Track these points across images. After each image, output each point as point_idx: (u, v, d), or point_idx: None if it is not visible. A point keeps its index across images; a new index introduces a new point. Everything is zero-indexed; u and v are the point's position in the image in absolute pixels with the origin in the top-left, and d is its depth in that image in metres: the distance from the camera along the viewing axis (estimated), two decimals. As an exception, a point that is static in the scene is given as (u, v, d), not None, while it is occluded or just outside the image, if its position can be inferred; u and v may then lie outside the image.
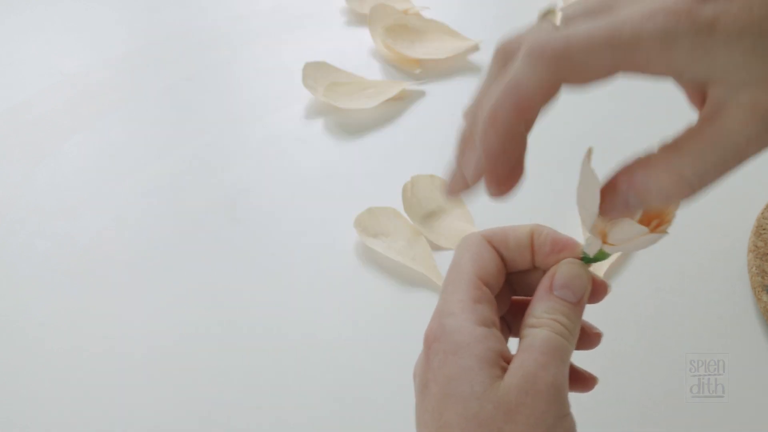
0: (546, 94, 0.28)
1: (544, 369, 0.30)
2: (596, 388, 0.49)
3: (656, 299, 0.53)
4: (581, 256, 0.33)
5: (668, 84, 0.59)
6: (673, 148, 0.28)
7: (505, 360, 0.31)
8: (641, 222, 0.31)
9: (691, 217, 0.59)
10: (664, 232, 0.32)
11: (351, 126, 0.66)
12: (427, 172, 0.58)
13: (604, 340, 0.51)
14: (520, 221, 0.57)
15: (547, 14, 0.30)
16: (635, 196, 0.29)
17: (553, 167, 0.62)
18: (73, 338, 0.52)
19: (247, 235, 0.58)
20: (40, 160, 0.64)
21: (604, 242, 0.32)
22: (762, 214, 0.55)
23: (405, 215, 0.57)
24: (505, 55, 0.29)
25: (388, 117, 0.66)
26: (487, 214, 0.58)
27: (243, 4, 0.79)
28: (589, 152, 0.32)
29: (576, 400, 0.49)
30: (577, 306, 0.33)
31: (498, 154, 0.29)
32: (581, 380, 0.37)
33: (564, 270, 0.33)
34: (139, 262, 0.57)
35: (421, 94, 0.68)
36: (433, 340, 0.31)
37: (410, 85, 0.68)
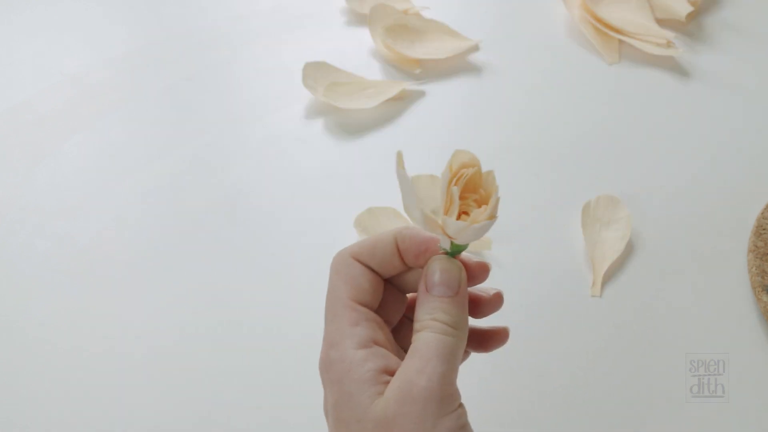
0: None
1: (420, 373, 0.31)
2: (596, 387, 0.49)
3: (656, 299, 0.53)
4: (443, 251, 0.34)
5: (668, 87, 0.59)
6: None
7: (390, 374, 0.32)
8: (465, 207, 0.32)
9: (692, 217, 0.59)
10: (493, 218, 0.32)
11: (351, 126, 0.66)
12: (427, 172, 0.58)
13: (604, 340, 0.52)
14: (520, 221, 0.57)
15: None
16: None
17: (553, 166, 0.62)
18: (73, 338, 0.52)
19: (247, 235, 0.58)
20: (40, 160, 0.64)
21: (448, 237, 0.33)
22: (762, 214, 0.55)
23: (405, 215, 0.57)
24: None
25: (388, 117, 0.66)
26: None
27: (243, 4, 0.79)
28: (399, 157, 0.32)
29: (576, 399, 0.49)
30: (456, 297, 0.33)
31: None
32: (494, 336, 0.37)
33: (433, 268, 0.33)
34: (139, 262, 0.57)
35: (421, 94, 0.68)
36: (323, 372, 0.33)
37: (410, 85, 0.68)
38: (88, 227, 0.59)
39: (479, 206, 0.33)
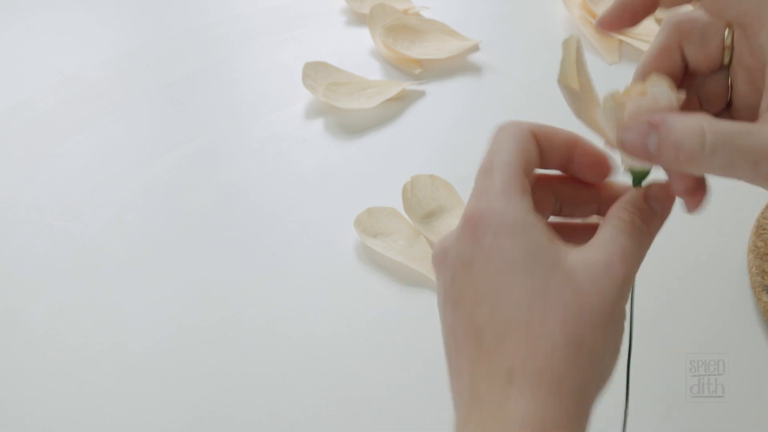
0: (663, 54, 0.34)
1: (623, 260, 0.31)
2: (596, 388, 0.49)
3: (657, 299, 0.53)
4: (630, 176, 0.33)
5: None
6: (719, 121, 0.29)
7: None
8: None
9: (692, 217, 0.59)
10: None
11: (351, 126, 0.66)
12: (427, 172, 0.58)
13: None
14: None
15: None
16: (655, 138, 0.30)
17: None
18: (73, 338, 0.52)
19: (247, 235, 0.58)
20: (40, 160, 0.64)
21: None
22: (762, 214, 0.55)
23: (405, 215, 0.57)
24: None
25: (388, 117, 0.66)
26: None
27: (243, 3, 0.79)
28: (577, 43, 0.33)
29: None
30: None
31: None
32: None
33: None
34: (139, 262, 0.57)
35: (421, 94, 0.68)
36: (479, 219, 0.30)
37: (410, 85, 0.68)
38: (88, 227, 0.59)
39: None
